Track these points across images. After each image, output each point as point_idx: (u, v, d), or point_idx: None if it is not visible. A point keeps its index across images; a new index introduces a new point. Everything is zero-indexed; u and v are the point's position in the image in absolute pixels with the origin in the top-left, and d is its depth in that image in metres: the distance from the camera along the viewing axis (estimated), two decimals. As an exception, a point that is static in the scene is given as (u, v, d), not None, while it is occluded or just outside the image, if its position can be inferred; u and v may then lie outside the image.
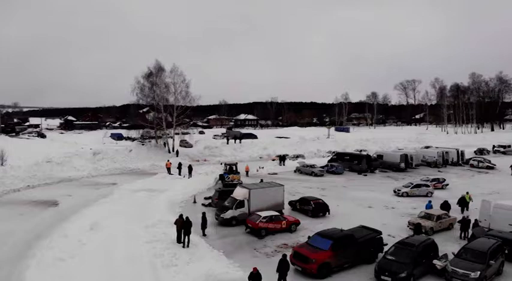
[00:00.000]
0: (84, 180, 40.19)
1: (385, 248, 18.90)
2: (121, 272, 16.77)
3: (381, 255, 18.50)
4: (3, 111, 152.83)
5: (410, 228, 23.58)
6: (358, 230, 20.08)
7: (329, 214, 27.26)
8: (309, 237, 19.61)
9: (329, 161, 49.62)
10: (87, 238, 20.56)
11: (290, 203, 28.78)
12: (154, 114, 59.48)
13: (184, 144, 63.01)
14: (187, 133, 69.57)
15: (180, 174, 42.33)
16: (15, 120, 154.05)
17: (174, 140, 58.45)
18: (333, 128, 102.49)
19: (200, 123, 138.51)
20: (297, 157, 56.56)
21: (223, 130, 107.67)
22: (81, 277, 16.10)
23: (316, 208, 27.00)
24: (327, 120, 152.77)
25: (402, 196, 33.58)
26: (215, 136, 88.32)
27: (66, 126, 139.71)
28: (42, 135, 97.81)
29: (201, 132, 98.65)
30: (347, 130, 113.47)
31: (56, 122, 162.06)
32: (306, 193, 32.14)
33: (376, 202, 31.52)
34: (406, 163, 49.34)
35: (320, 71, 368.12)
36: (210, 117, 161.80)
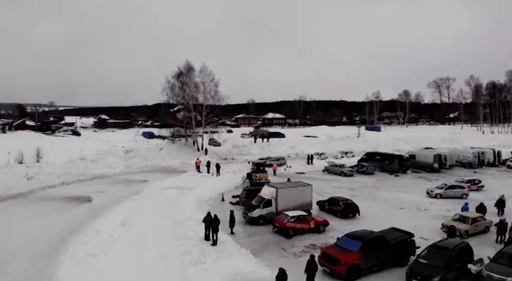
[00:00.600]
0: (116, 177, 41.32)
1: (418, 251, 18.32)
2: (151, 268, 17.09)
3: (412, 258, 17.94)
4: (40, 110, 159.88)
5: (444, 231, 22.76)
6: (389, 232, 19.60)
7: (359, 215, 26.75)
8: (337, 238, 19.29)
9: (359, 161, 48.76)
10: (119, 234, 21.07)
11: (318, 203, 28.44)
12: (184, 113, 60.44)
13: (213, 143, 63.68)
14: (216, 132, 70.30)
15: (208, 172, 42.82)
16: (51, 118, 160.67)
17: (203, 138, 59.18)
18: (363, 127, 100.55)
19: (228, 122, 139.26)
20: (321, 154, 56.05)
21: (251, 129, 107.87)
22: (112, 273, 16.46)
23: (346, 209, 26.54)
24: (357, 119, 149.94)
25: (435, 197, 32.51)
26: (243, 135, 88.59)
27: (100, 124, 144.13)
28: (77, 134, 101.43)
29: (229, 131, 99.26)
30: (378, 129, 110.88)
31: (90, 120, 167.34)
32: (335, 193, 31.71)
33: (408, 203, 30.69)
34: (439, 164, 47.86)
35: (350, 69, 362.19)
36: (238, 116, 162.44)
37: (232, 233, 22.35)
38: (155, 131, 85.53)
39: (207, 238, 20.53)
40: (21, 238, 20.96)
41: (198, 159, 46.28)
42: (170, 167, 48.01)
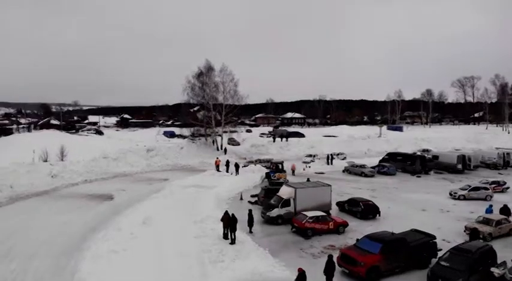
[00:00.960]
0: (138, 175, 42.03)
1: (439, 254, 17.93)
2: (170, 266, 17.31)
3: (434, 261, 17.59)
4: (65, 110, 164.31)
5: (466, 233, 22.23)
6: (411, 234, 19.26)
7: (379, 216, 26.34)
8: (357, 239, 19.08)
9: (380, 161, 48.05)
10: (139, 231, 21.43)
11: (338, 203, 28.17)
12: (204, 113, 60.97)
13: (232, 142, 64.00)
14: (235, 131, 70.61)
15: (227, 171, 43.02)
16: (75, 118, 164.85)
17: (222, 138, 59.59)
18: (384, 127, 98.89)
19: (247, 122, 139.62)
20: (338, 154, 55.29)
21: (270, 129, 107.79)
22: (133, 270, 16.75)
23: (366, 210, 26.20)
24: (378, 118, 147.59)
25: (459, 199, 31.72)
26: (262, 134, 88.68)
27: (122, 124, 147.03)
28: (100, 133, 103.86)
29: (248, 131, 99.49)
30: (400, 129, 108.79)
31: (113, 120, 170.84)
32: (355, 194, 31.34)
33: (431, 204, 30.06)
34: (463, 164, 46.65)
35: (371, 68, 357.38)
36: (257, 115, 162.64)
37: (250, 232, 22.41)
38: (176, 130, 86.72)
39: (225, 236, 20.66)
40: (44, 234, 21.58)
41: (217, 158, 46.61)
42: (190, 166, 48.50)
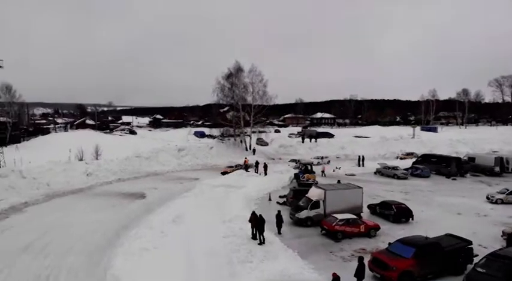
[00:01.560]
0: (169, 174, 42.85)
1: (475, 260, 17.16)
2: (200, 265, 17.50)
3: (470, 267, 16.85)
4: (99, 110, 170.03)
5: (504, 238, 21.24)
6: (445, 239, 18.59)
7: (412, 219, 25.60)
8: (389, 243, 18.57)
9: (414, 163, 46.74)
10: (170, 229, 21.84)
11: (369, 206, 27.58)
12: (233, 114, 61.41)
13: (261, 142, 64.10)
14: (263, 132, 70.68)
15: (256, 171, 43.12)
16: (109, 118, 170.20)
17: (251, 138, 59.82)
18: (418, 128, 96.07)
19: (276, 122, 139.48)
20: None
21: (299, 129, 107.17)
22: (163, 267, 17.07)
23: (398, 213, 25.53)
24: (411, 119, 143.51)
25: (496, 203, 30.36)
26: (290, 135, 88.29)
27: (155, 124, 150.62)
28: (133, 132, 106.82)
29: (277, 131, 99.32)
30: (434, 130, 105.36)
31: (146, 120, 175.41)
32: (387, 197, 30.67)
33: (466, 208, 28.96)
34: (501, 167, 44.63)
35: (404, 66, 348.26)
36: (286, 116, 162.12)
37: (279, 233, 22.33)
38: (206, 130, 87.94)
39: (253, 237, 20.69)
40: (79, 231, 22.37)
41: (246, 158, 46.82)
42: (219, 166, 48.97)
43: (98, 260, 18.33)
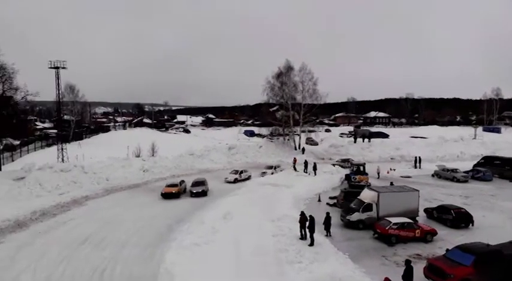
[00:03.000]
0: (220, 172, 43.61)
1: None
2: (248, 263, 17.58)
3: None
4: (156, 109, 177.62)
5: None
6: (509, 247, 17.28)
7: (472, 225, 24.03)
8: (447, 250, 17.56)
9: (475, 166, 43.74)
10: (220, 226, 22.19)
11: (426, 210, 26.24)
12: (282, 113, 61.21)
13: (310, 142, 63.32)
14: (313, 131, 69.69)
15: (305, 171, 42.55)
16: (165, 117, 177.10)
17: (300, 137, 59.24)
18: (480, 128, 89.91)
19: (326, 121, 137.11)
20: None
21: (351, 128, 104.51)
22: (212, 263, 17.35)
23: (457, 218, 24.05)
24: (472, 118, 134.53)
25: None
26: (342, 134, 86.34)
27: (207, 123, 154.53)
28: (187, 131, 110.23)
29: (327, 131, 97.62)
30: (498, 131, 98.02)
31: (199, 119, 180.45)
32: (445, 201, 29.00)
33: (535, 215, 26.49)
34: None
35: (465, 63, 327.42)
36: (337, 115, 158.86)
37: (328, 235, 21.86)
38: (255, 129, 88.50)
39: (302, 237, 20.42)
40: (135, 225, 23.47)
41: (295, 158, 46.42)
42: (268, 165, 48.97)
43: (151, 254, 19.06)
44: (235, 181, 37.61)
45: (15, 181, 31.95)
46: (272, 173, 41.09)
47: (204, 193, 31.97)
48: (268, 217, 23.96)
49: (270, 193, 31.35)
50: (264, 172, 41.57)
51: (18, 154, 52.10)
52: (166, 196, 30.86)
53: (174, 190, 31.33)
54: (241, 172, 39.54)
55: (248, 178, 39.35)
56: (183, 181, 34.19)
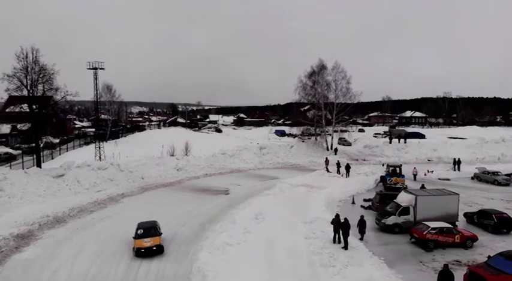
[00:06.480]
0: (251, 172, 43.78)
1: None
2: (281, 265, 17.45)
3: None
4: (189, 109, 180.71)
5: None
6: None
7: (516, 231, 22.83)
8: (488, 256, 16.81)
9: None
10: (252, 226, 22.18)
11: (466, 215, 25.24)
12: (314, 112, 60.55)
13: (343, 142, 62.36)
14: (346, 131, 68.51)
15: (338, 172, 41.91)
16: (198, 116, 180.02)
17: (332, 137, 58.35)
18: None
19: (360, 121, 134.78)
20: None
21: (386, 128, 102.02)
22: (244, 264, 17.34)
23: (499, 223, 22.98)
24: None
25: None
26: (376, 135, 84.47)
27: (238, 122, 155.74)
28: (219, 130, 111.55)
29: (361, 131, 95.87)
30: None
31: (230, 118, 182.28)
32: (486, 205, 27.87)
33: None
34: None
35: (507, 61, 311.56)
36: (371, 114, 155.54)
37: (361, 239, 21.38)
38: (286, 129, 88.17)
39: (335, 240, 20.11)
40: (169, 223, 23.75)
41: (327, 158, 45.81)
42: (300, 165, 48.66)
43: (185, 252, 19.30)
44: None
45: (55, 178, 33.12)
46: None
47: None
48: (300, 219, 23.74)
49: (301, 194, 31.01)
50: None
51: (58, 152, 54.12)
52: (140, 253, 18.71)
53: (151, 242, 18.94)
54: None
55: None
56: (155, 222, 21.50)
